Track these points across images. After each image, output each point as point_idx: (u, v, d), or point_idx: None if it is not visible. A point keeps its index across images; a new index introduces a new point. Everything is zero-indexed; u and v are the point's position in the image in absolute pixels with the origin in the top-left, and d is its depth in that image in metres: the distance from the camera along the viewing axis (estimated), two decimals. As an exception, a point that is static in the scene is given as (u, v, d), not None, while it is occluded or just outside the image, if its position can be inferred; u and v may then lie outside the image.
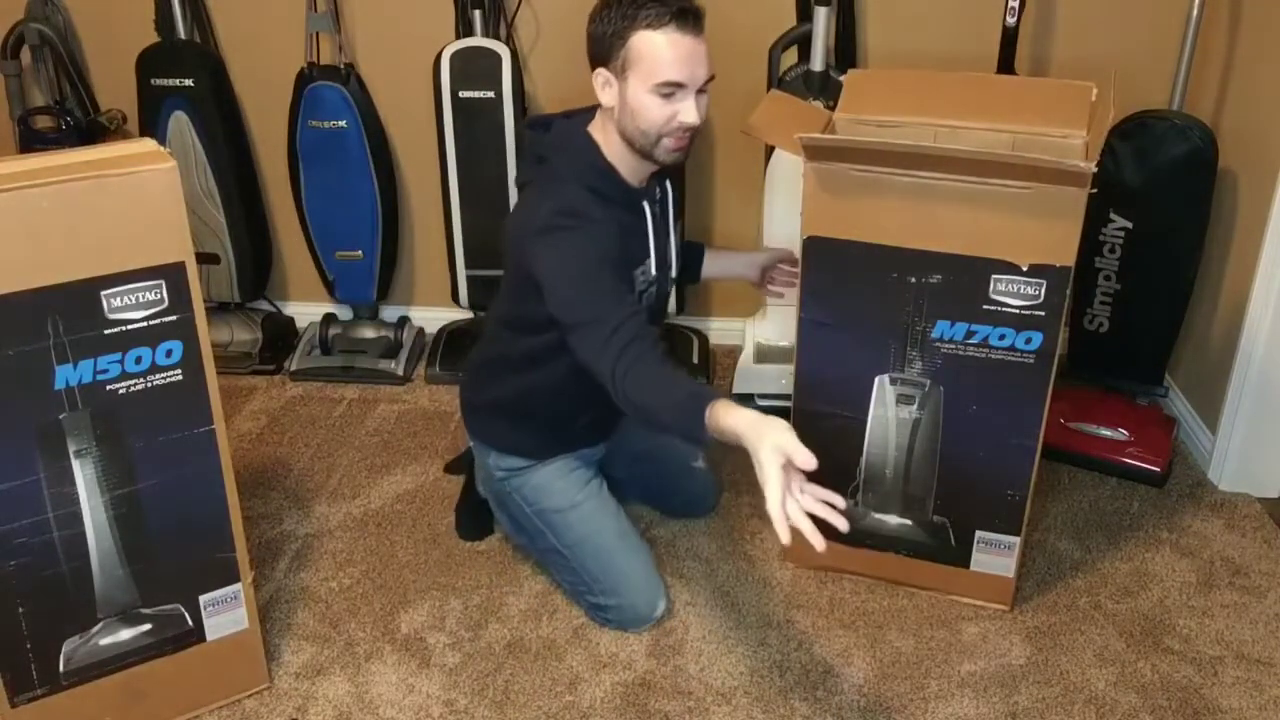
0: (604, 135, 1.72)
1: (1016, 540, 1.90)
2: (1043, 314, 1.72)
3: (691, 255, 2.13)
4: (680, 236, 1.97)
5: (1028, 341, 1.75)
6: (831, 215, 1.74)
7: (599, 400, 1.59)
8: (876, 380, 1.88)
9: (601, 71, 1.66)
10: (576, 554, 1.91)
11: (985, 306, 1.75)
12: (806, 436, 1.96)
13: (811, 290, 1.85)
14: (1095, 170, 1.58)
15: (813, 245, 1.81)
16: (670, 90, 1.62)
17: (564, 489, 1.92)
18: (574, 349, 1.62)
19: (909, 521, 1.97)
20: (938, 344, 1.81)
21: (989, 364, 1.78)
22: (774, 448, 1.32)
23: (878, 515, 1.98)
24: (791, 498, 1.33)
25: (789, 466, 1.33)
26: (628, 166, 1.73)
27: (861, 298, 1.82)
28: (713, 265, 2.16)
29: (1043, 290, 1.71)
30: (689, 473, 2.18)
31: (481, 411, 1.99)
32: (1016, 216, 1.68)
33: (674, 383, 1.54)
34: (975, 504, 1.91)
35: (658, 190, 1.84)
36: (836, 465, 1.96)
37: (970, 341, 1.79)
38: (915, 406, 1.87)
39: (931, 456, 1.90)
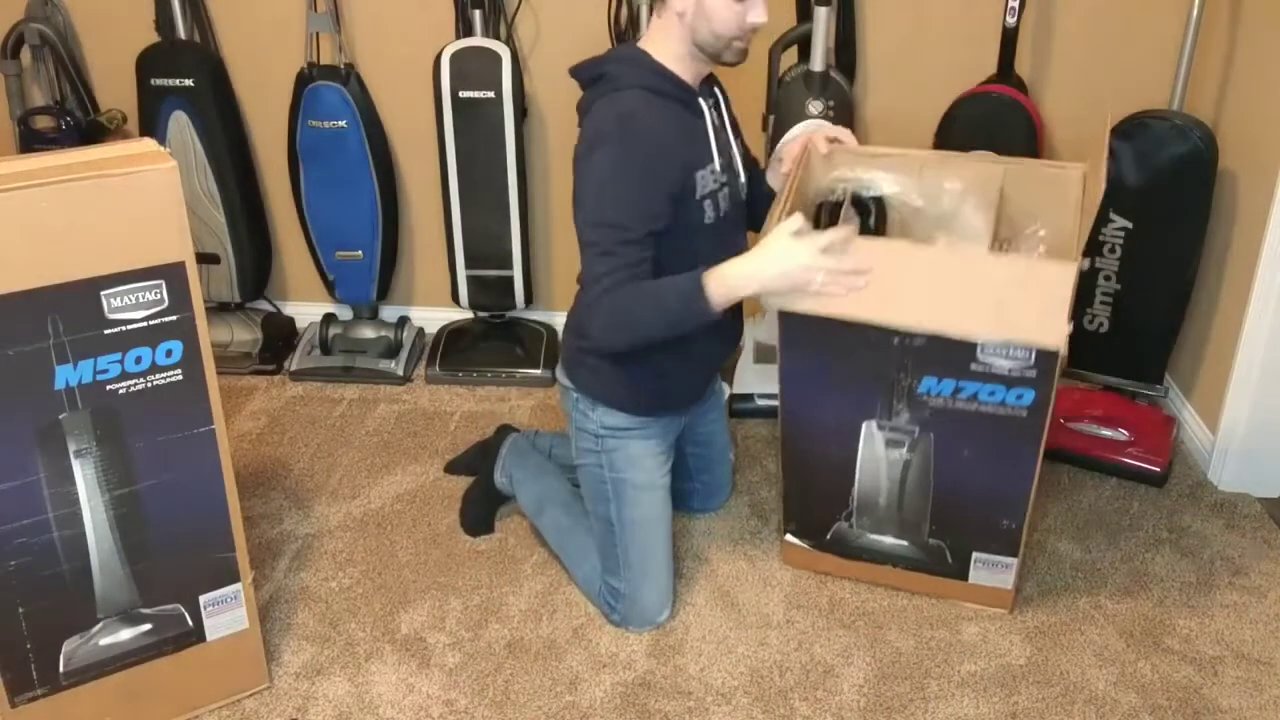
0: (656, 45, 1.78)
1: (1014, 560, 1.89)
2: (1034, 374, 1.66)
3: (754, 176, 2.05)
4: (743, 147, 1.97)
5: (1019, 397, 1.69)
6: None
7: (692, 341, 1.76)
8: (864, 425, 1.84)
9: None
10: (625, 533, 1.92)
11: (974, 367, 1.69)
12: (795, 468, 1.95)
13: (790, 347, 1.80)
14: (1068, 336, 1.51)
15: (788, 320, 1.75)
16: None
17: (651, 468, 1.94)
18: (582, 263, 1.72)
19: (905, 542, 1.95)
20: (925, 398, 1.76)
21: (980, 417, 1.74)
22: (789, 233, 1.60)
23: (873, 535, 1.97)
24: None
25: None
26: (682, 71, 1.79)
27: (844, 356, 1.76)
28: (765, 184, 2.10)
29: (1033, 354, 1.64)
30: (720, 462, 2.23)
31: (584, 363, 1.94)
32: (1002, 294, 1.59)
33: (658, 288, 1.69)
34: (971, 531, 1.89)
35: (711, 94, 1.87)
36: (828, 492, 1.95)
37: (959, 396, 1.74)
38: (905, 450, 1.84)
39: (924, 490, 1.87)
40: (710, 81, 1.87)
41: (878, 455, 1.86)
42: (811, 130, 1.96)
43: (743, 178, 1.92)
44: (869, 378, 1.78)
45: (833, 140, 1.94)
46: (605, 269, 1.68)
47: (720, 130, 1.87)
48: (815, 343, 1.78)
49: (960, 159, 1.90)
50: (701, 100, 1.82)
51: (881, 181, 1.90)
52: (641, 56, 1.78)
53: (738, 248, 1.76)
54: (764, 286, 1.67)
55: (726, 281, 1.65)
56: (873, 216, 1.90)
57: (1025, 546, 1.90)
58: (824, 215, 1.93)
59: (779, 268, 1.65)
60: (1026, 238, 1.85)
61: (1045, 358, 1.64)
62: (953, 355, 1.70)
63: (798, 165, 1.86)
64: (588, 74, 1.82)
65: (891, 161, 1.88)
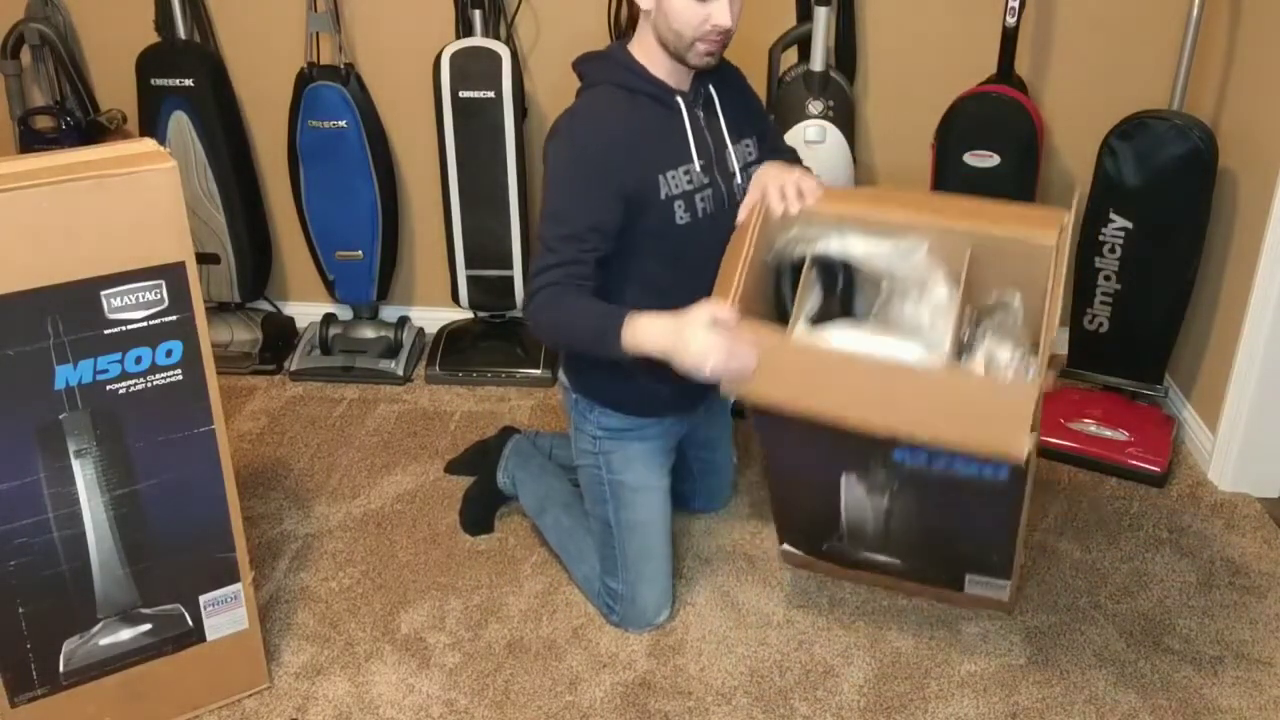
0: (637, 43, 1.78)
1: (1007, 581, 1.86)
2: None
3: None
4: (756, 148, 1.90)
5: (995, 470, 1.62)
6: (777, 381, 1.60)
7: None
8: (843, 477, 1.79)
9: None
10: (622, 534, 1.92)
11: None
12: (783, 498, 1.95)
13: (758, 413, 1.73)
14: (1031, 452, 1.43)
15: (757, 412, 1.71)
16: None
17: (647, 470, 1.94)
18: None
19: (898, 560, 1.92)
20: (900, 464, 1.69)
21: (957, 482, 1.66)
22: (704, 323, 1.56)
23: (867, 553, 1.93)
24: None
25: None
26: (662, 69, 1.77)
27: (812, 428, 1.63)
28: None
29: None
30: (724, 465, 2.23)
31: (582, 363, 1.93)
32: (963, 407, 1.52)
33: (589, 309, 1.69)
34: (961, 560, 1.87)
35: (701, 93, 1.83)
36: (816, 521, 1.92)
37: (935, 464, 1.65)
38: (886, 499, 1.78)
39: (908, 530, 1.83)
40: (703, 81, 1.83)
41: (861, 501, 1.81)
42: (769, 181, 1.78)
43: (739, 178, 1.86)
44: (841, 447, 1.71)
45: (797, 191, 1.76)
46: (544, 265, 1.69)
47: (706, 131, 1.82)
48: (784, 430, 1.74)
49: (927, 217, 1.69)
50: (681, 99, 1.79)
51: (846, 245, 1.72)
52: (618, 54, 1.79)
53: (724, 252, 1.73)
54: (665, 356, 1.61)
55: (638, 335, 1.62)
56: (839, 283, 1.77)
57: (1025, 545, 1.89)
58: (785, 280, 1.81)
59: (677, 348, 1.59)
60: (1001, 309, 1.70)
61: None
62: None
63: (752, 221, 1.73)
64: (577, 72, 1.84)
65: (856, 222, 1.71)
